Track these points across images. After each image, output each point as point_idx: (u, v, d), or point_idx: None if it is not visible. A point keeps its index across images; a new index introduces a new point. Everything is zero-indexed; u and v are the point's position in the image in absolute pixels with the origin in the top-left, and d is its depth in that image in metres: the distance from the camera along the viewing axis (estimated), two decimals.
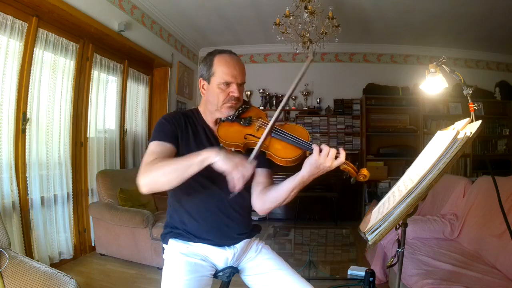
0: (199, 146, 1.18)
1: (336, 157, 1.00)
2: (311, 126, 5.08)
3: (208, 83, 1.19)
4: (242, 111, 1.21)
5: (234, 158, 0.99)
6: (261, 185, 1.22)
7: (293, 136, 1.10)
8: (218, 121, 1.23)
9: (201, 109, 1.28)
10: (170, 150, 1.12)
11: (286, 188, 1.10)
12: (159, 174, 1.00)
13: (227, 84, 1.16)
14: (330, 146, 1.04)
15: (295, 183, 1.08)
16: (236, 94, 1.16)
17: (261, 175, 1.24)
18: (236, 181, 0.97)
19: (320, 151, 1.00)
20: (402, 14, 3.94)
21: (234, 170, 0.97)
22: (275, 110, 5.37)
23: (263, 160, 1.18)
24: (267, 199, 1.17)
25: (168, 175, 0.99)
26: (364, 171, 1.05)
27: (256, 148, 1.06)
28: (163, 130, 1.15)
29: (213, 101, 1.19)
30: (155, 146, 1.11)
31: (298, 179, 1.07)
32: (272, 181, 1.25)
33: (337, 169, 1.06)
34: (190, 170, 0.99)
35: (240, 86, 1.19)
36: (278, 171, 1.29)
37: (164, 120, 1.18)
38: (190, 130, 1.20)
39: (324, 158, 1.00)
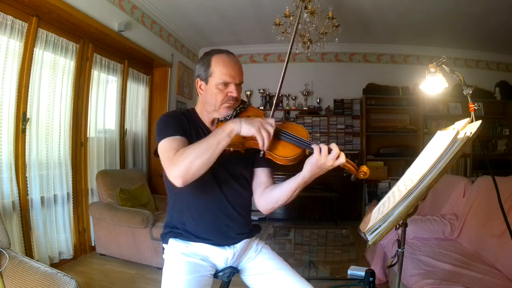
0: None
1: (329, 151, 1.03)
2: (311, 126, 5.08)
3: (206, 83, 1.18)
4: (240, 111, 1.20)
5: (255, 121, 1.03)
6: (263, 185, 1.23)
7: (293, 135, 1.10)
8: (215, 121, 1.23)
9: (198, 109, 1.27)
10: (185, 143, 1.11)
11: (289, 189, 1.11)
12: (191, 159, 0.99)
13: (225, 84, 1.15)
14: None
15: (297, 183, 1.09)
16: (234, 94, 1.16)
17: (262, 174, 1.25)
18: (264, 140, 1.01)
19: (321, 150, 1.01)
20: (402, 14, 3.94)
21: (260, 130, 1.01)
22: (276, 110, 5.35)
23: (263, 160, 1.18)
24: (270, 199, 1.18)
25: (201, 157, 0.99)
26: (364, 168, 1.06)
27: (274, 103, 1.14)
28: (171, 125, 1.14)
29: (211, 101, 1.18)
30: (170, 142, 1.09)
31: (300, 179, 1.08)
32: (273, 180, 1.26)
33: (337, 168, 1.07)
34: (220, 146, 1.01)
35: (238, 86, 1.18)
36: (278, 171, 1.29)
37: (167, 117, 1.18)
38: (192, 128, 1.20)
39: (325, 158, 1.01)
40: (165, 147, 1.08)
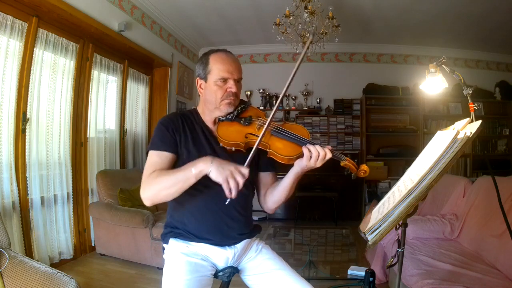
0: (198, 147, 1.18)
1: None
2: (311, 126, 5.08)
3: (205, 81, 1.20)
4: (241, 111, 1.21)
5: (227, 167, 1.00)
6: (266, 186, 1.28)
7: (294, 134, 1.12)
8: (216, 121, 1.23)
9: (199, 109, 1.28)
10: (169, 159, 1.15)
11: (285, 187, 1.17)
12: (159, 188, 1.06)
13: (224, 80, 1.17)
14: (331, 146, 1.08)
15: (291, 180, 1.15)
16: (233, 90, 1.17)
17: (267, 177, 1.29)
18: (232, 189, 0.99)
19: (310, 157, 1.07)
20: (402, 14, 3.94)
21: (229, 179, 0.99)
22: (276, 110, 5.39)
23: (266, 162, 1.21)
24: (273, 199, 1.24)
25: (168, 189, 1.05)
26: (364, 167, 1.10)
27: (252, 152, 1.06)
28: (161, 138, 1.16)
29: (211, 99, 1.19)
30: (154, 157, 1.14)
31: (292, 176, 1.14)
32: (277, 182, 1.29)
33: (338, 168, 1.14)
34: (188, 182, 1.04)
35: (237, 82, 1.19)
36: (279, 171, 1.30)
37: (162, 125, 1.19)
38: (188, 131, 1.20)
39: (314, 163, 1.07)
40: (148, 161, 1.14)
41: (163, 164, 1.13)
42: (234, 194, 0.99)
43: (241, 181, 0.99)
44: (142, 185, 1.09)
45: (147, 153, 1.17)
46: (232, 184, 0.98)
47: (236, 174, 0.99)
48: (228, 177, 0.98)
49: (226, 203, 1.03)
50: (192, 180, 1.03)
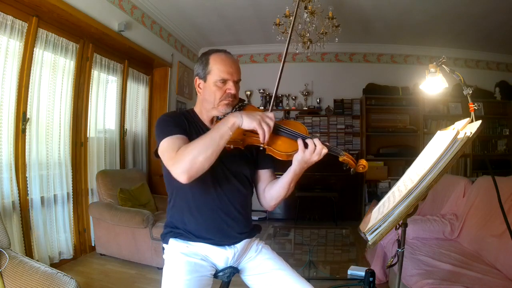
0: None
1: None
2: (311, 126, 5.08)
3: (204, 81, 1.20)
4: (239, 109, 1.22)
5: (255, 114, 1.05)
6: (265, 183, 1.28)
7: (292, 130, 1.12)
8: (214, 120, 1.23)
9: (197, 109, 1.28)
10: (186, 141, 1.10)
11: (283, 184, 1.17)
12: (195, 154, 0.99)
13: (224, 81, 1.17)
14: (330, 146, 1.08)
15: (290, 177, 1.14)
16: (232, 91, 1.17)
17: (265, 174, 1.29)
18: (265, 133, 1.04)
19: (306, 147, 1.06)
20: (402, 14, 3.94)
21: (261, 123, 1.03)
22: (275, 109, 5.34)
23: (265, 160, 1.20)
24: (271, 196, 1.24)
25: (205, 152, 1.00)
26: (363, 162, 1.11)
27: (273, 96, 1.18)
28: (171, 125, 1.14)
29: (209, 99, 1.19)
30: (171, 141, 1.08)
31: (291, 174, 1.13)
32: (276, 179, 1.29)
33: (338, 167, 1.14)
34: (223, 139, 1.02)
35: (236, 83, 1.20)
36: (278, 171, 1.30)
37: (166, 117, 1.19)
38: (192, 128, 1.21)
39: (310, 154, 1.06)
40: (166, 146, 1.07)
41: (183, 144, 1.06)
42: (267, 137, 1.05)
43: (271, 123, 1.05)
44: (173, 163, 1.01)
45: (155, 153, 1.12)
46: (265, 127, 1.03)
47: (266, 118, 1.05)
48: (260, 121, 1.03)
49: (261, 148, 1.10)
50: (227, 136, 1.01)
